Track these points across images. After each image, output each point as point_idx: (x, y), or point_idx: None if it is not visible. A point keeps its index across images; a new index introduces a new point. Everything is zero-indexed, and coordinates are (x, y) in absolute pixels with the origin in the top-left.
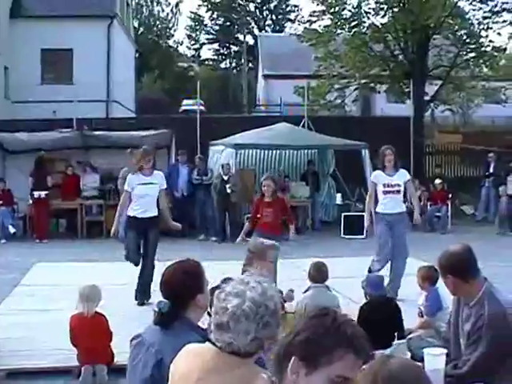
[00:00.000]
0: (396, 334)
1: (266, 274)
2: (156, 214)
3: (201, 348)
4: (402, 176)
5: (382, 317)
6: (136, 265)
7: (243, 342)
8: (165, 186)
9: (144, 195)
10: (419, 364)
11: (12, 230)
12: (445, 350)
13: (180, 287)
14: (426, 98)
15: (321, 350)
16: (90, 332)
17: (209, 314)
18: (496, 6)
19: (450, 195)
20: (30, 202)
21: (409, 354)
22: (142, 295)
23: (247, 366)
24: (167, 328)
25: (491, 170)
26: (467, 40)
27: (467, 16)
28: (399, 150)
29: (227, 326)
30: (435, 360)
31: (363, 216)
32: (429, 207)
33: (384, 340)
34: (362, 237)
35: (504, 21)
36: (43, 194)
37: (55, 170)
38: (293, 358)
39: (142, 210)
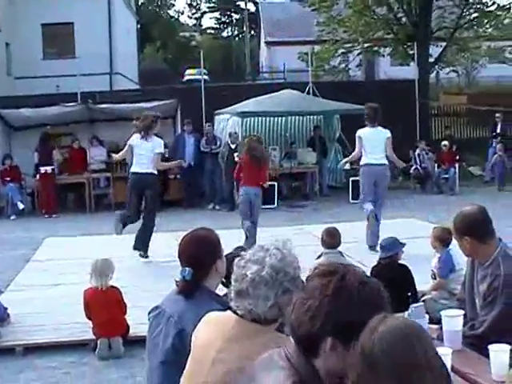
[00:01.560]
0: (409, 295)
1: None
2: (153, 171)
3: (221, 316)
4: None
5: (392, 279)
6: (133, 222)
7: (263, 308)
8: (158, 151)
9: (141, 154)
10: (416, 325)
11: (21, 205)
12: (462, 312)
13: (201, 253)
14: (431, 59)
15: (358, 325)
16: (105, 305)
17: (223, 284)
18: None
19: (458, 157)
20: (37, 177)
21: (427, 317)
22: (141, 245)
23: (268, 333)
24: (191, 296)
25: (498, 130)
26: (470, 0)
27: None
28: (405, 112)
29: (246, 293)
30: (453, 321)
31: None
32: (436, 169)
33: (398, 302)
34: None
35: None
36: (49, 169)
37: (61, 144)
38: (328, 339)
39: (139, 166)
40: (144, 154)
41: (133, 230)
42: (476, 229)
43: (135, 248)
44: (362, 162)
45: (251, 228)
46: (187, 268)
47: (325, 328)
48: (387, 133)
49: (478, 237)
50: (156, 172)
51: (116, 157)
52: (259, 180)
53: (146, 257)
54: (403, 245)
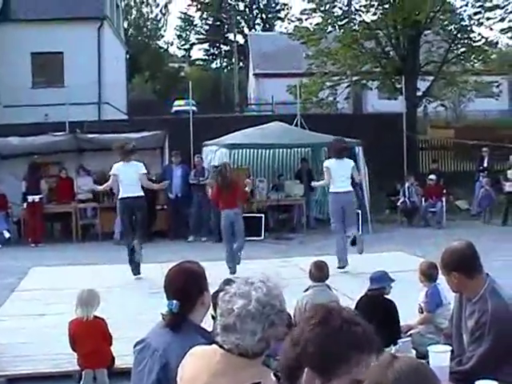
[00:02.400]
0: (391, 332)
1: None
2: (141, 194)
3: (207, 350)
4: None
5: (377, 311)
6: (131, 248)
7: (250, 342)
8: (143, 171)
9: (127, 179)
10: (425, 362)
11: (7, 234)
12: (449, 347)
13: (188, 286)
14: (418, 93)
15: (336, 360)
16: (90, 336)
17: (213, 318)
18: (487, 0)
19: (445, 190)
20: (24, 206)
21: (414, 352)
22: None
23: (255, 367)
24: (177, 329)
25: (485, 165)
26: (458, 35)
27: (458, 11)
28: (392, 145)
29: (234, 328)
30: (440, 357)
31: (358, 213)
32: (423, 203)
33: (381, 336)
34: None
35: (495, 17)
36: (37, 198)
37: (49, 173)
38: (306, 369)
39: (127, 191)
40: (129, 178)
41: (120, 260)
42: (464, 264)
43: (134, 273)
44: (330, 191)
45: (231, 253)
46: (174, 301)
47: (303, 355)
48: (351, 162)
49: (466, 272)
50: (143, 194)
51: (100, 188)
52: (236, 201)
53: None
54: (392, 280)
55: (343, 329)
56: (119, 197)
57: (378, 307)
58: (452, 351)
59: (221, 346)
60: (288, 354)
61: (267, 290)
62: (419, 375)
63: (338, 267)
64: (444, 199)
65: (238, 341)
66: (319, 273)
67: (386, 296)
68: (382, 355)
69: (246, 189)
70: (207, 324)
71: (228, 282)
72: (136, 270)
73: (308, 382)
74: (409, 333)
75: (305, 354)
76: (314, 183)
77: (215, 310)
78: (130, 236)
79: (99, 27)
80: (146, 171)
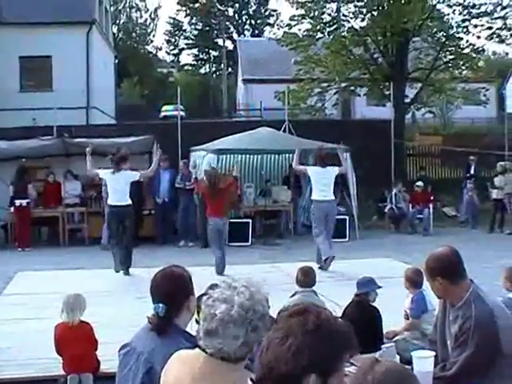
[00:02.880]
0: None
1: None
2: (129, 202)
3: (190, 354)
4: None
5: (361, 317)
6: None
7: (233, 347)
8: (137, 178)
9: (116, 187)
10: (407, 367)
11: None
12: (433, 353)
13: (175, 291)
14: (406, 100)
15: (336, 362)
16: (75, 341)
17: (197, 322)
18: (474, 7)
19: (432, 197)
20: (12, 210)
21: (398, 357)
22: (124, 264)
23: (238, 371)
24: (163, 333)
25: (472, 172)
26: (446, 42)
27: (446, 19)
28: (380, 152)
29: (216, 332)
30: (424, 363)
31: (345, 219)
32: (411, 209)
33: (365, 341)
34: (345, 240)
35: (482, 25)
36: (24, 202)
37: (36, 177)
38: (312, 376)
39: (116, 199)
40: (119, 187)
41: (106, 265)
42: (448, 270)
43: (126, 273)
44: (313, 198)
45: (222, 259)
46: (161, 304)
47: (311, 365)
48: (335, 170)
49: (450, 278)
50: (131, 203)
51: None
52: (223, 209)
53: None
54: (379, 287)
55: (338, 329)
56: (108, 203)
57: (362, 313)
58: (436, 357)
59: (204, 350)
60: (289, 363)
61: (250, 295)
62: (399, 379)
63: (325, 260)
64: (431, 206)
65: (221, 345)
66: (305, 278)
67: (372, 303)
68: (363, 358)
69: (234, 174)
70: (192, 328)
71: (212, 286)
72: (125, 269)
73: None
74: (394, 339)
75: (312, 361)
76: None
77: (199, 313)
78: (116, 242)
79: (88, 32)
80: (138, 178)
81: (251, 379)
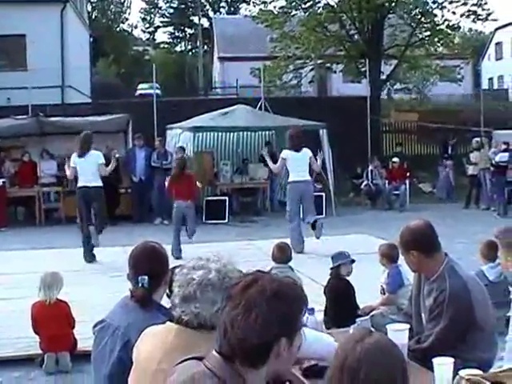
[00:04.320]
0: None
1: None
2: (98, 184)
3: (161, 328)
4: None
5: (336, 291)
6: (86, 236)
7: (210, 311)
8: (101, 161)
9: (83, 168)
10: (396, 343)
11: None
12: (407, 326)
13: (157, 264)
14: (382, 77)
15: (296, 321)
16: (52, 319)
17: (168, 296)
18: None
19: (408, 173)
20: None
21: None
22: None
23: (211, 340)
24: (147, 305)
25: (450, 152)
26: (422, 19)
27: None
28: (356, 128)
29: (194, 297)
30: (398, 335)
31: (321, 196)
32: (387, 185)
33: (342, 316)
34: (322, 216)
35: (458, 0)
36: (0, 181)
37: (11, 157)
38: (283, 340)
39: (84, 180)
40: (87, 167)
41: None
42: (423, 243)
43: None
44: (288, 180)
45: (178, 240)
46: (145, 276)
47: (281, 329)
48: (309, 152)
49: (425, 251)
50: (101, 184)
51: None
52: (189, 194)
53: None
54: (351, 260)
55: (292, 289)
56: (78, 185)
57: (337, 287)
58: (411, 330)
59: (177, 321)
60: (260, 334)
61: (224, 264)
62: (385, 355)
63: (312, 224)
64: (407, 182)
65: (198, 310)
66: (281, 254)
67: (345, 277)
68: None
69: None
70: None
71: (175, 268)
72: (89, 257)
73: (286, 350)
74: (370, 314)
75: (282, 327)
76: (266, 158)
77: (170, 286)
78: (86, 223)
79: (62, 10)
80: (103, 161)
81: (218, 352)
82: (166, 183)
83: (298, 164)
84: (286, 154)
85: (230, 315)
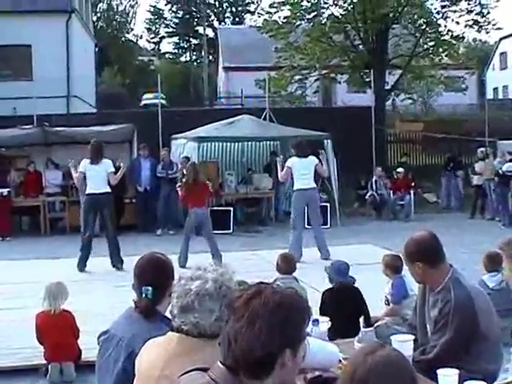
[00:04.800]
0: (362, 319)
1: None
2: (107, 190)
3: (163, 339)
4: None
5: (346, 303)
6: (88, 241)
7: (208, 320)
8: (111, 170)
9: (94, 175)
10: (407, 358)
11: None
12: (412, 337)
13: (161, 275)
14: (387, 87)
15: (299, 331)
16: (57, 329)
17: None
18: None
19: (413, 183)
20: None
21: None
22: (116, 261)
23: (212, 347)
24: (150, 315)
25: (454, 164)
26: (426, 29)
27: (426, 5)
28: (361, 139)
29: (192, 307)
30: (403, 346)
31: (326, 206)
32: (392, 195)
33: (350, 326)
34: (326, 226)
35: (461, 9)
36: (5, 191)
37: (17, 167)
38: (287, 351)
39: (93, 187)
40: (97, 175)
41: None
42: (427, 254)
43: (114, 265)
44: (294, 188)
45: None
46: (149, 287)
47: (285, 340)
48: (315, 160)
49: (430, 262)
50: (110, 190)
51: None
52: (206, 201)
53: (122, 268)
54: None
55: (295, 300)
56: (86, 192)
57: (347, 296)
58: (416, 341)
59: (177, 331)
60: (264, 346)
61: (221, 273)
62: (395, 369)
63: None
64: (412, 192)
65: (197, 319)
66: (286, 265)
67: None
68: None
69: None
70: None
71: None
72: (82, 265)
73: (290, 361)
74: (375, 324)
75: (285, 338)
76: (278, 165)
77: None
78: (89, 232)
79: (67, 20)
80: (114, 169)
81: (222, 363)
82: (179, 192)
83: (303, 172)
84: (291, 161)
85: (233, 328)
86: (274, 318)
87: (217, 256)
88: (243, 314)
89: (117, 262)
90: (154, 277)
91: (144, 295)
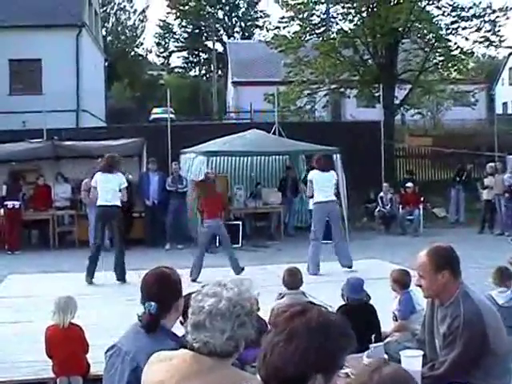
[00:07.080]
0: (373, 337)
1: None
2: (117, 203)
3: (175, 353)
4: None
5: (359, 320)
6: (97, 248)
7: (219, 340)
8: (124, 185)
9: (106, 188)
10: (411, 374)
11: None
12: (421, 352)
13: (166, 291)
14: (396, 101)
15: (336, 359)
16: (66, 343)
17: (181, 323)
18: (463, 10)
19: (422, 198)
20: (1, 212)
21: (386, 358)
22: (121, 274)
23: (225, 369)
24: (153, 331)
25: (463, 178)
26: (435, 44)
27: (435, 20)
28: (370, 153)
29: (203, 325)
30: (412, 362)
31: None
32: (400, 210)
33: (361, 343)
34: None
35: (471, 26)
36: (17, 204)
37: (26, 180)
38: (318, 376)
39: (105, 199)
40: (109, 188)
41: (97, 268)
42: (456, 263)
43: (118, 279)
44: (315, 201)
45: (198, 260)
46: (152, 303)
47: (318, 364)
48: (335, 174)
49: (455, 272)
50: (120, 204)
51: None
52: (222, 212)
53: (125, 281)
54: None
55: (339, 325)
56: (97, 204)
57: (360, 313)
58: (425, 356)
59: (190, 348)
60: (297, 365)
61: (239, 291)
62: None
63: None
64: (421, 207)
65: (207, 338)
66: (292, 279)
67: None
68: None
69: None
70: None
71: (204, 286)
72: (90, 277)
73: None
74: (385, 340)
75: (318, 361)
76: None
77: (185, 313)
78: (98, 239)
79: (78, 34)
80: (126, 184)
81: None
82: (200, 203)
83: (324, 185)
84: (312, 175)
85: (272, 341)
86: (311, 339)
87: (236, 270)
88: (284, 329)
89: (119, 275)
90: (159, 292)
91: (147, 310)
